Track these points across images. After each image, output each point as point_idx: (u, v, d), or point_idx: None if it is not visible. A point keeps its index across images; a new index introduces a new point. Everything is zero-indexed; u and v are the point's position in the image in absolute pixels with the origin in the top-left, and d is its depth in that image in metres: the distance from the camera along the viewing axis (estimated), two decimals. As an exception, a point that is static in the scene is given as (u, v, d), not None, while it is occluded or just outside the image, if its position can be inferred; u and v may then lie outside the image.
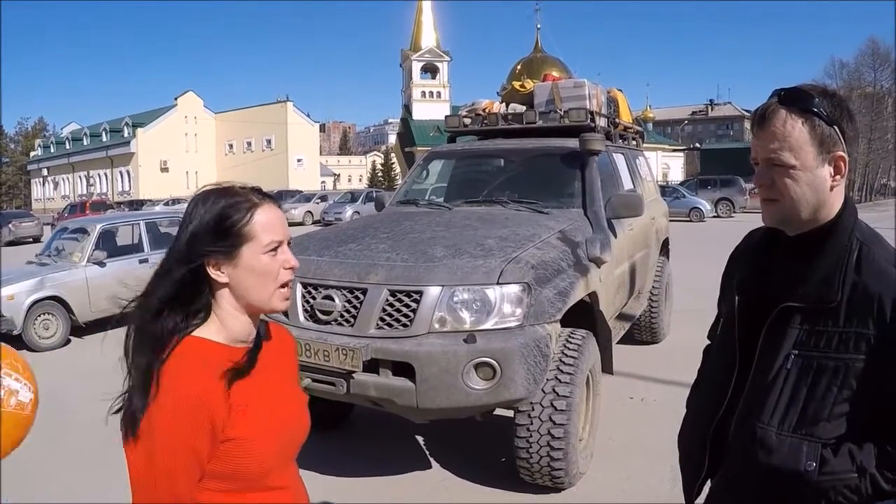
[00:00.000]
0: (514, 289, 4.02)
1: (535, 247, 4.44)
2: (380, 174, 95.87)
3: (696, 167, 59.29)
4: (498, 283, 4.01)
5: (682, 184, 39.18)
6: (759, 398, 1.62)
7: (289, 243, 1.58)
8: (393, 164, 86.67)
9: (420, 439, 5.52)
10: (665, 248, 8.67)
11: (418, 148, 58.87)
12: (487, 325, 3.96)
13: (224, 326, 1.55)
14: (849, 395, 1.52)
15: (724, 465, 1.75)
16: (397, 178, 79.83)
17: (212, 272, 1.50)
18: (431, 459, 5.14)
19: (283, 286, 1.57)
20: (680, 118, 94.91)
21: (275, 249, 1.53)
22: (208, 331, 1.53)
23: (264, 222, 1.52)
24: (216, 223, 1.49)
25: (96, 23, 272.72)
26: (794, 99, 1.57)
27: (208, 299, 1.53)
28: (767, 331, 1.64)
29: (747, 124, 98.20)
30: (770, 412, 1.59)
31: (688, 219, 29.79)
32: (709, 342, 2.11)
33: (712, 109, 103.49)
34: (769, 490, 1.59)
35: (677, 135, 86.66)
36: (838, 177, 1.60)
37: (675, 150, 68.88)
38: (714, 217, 32.15)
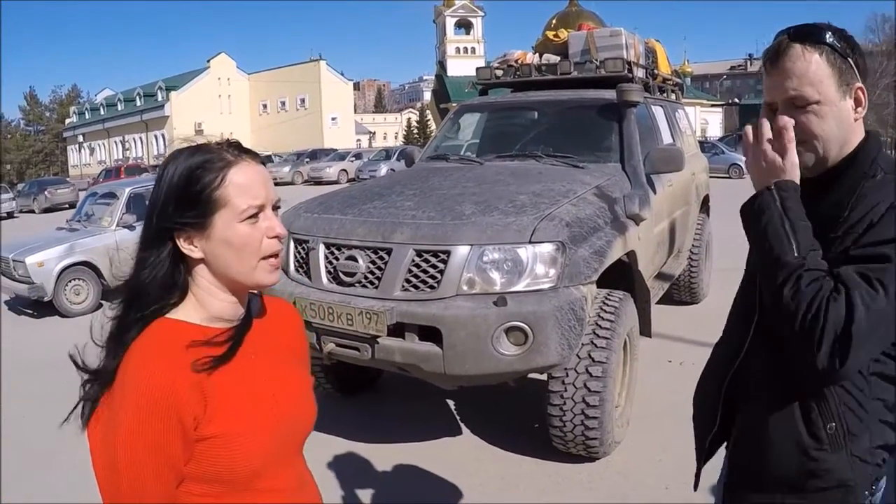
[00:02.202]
0: (547, 248, 3.78)
1: (569, 203, 4.18)
2: (415, 131, 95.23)
3: (735, 123, 58.22)
4: (530, 242, 3.76)
5: (720, 139, 38.37)
6: None
7: (276, 207, 1.36)
8: (428, 121, 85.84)
9: (451, 403, 5.36)
10: (705, 205, 8.35)
11: (453, 104, 58.48)
12: (519, 287, 3.74)
13: (202, 306, 1.33)
14: None
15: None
16: (432, 134, 79.16)
17: (183, 246, 1.29)
18: (462, 425, 4.99)
19: (268, 257, 1.34)
20: (718, 73, 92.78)
21: (255, 216, 1.30)
22: (184, 311, 1.32)
23: (240, 184, 1.29)
24: (182, 189, 1.27)
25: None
26: (806, 33, 1.52)
27: (183, 276, 1.32)
28: None
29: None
30: None
31: (727, 175, 29.16)
32: None
33: (751, 64, 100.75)
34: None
35: (716, 90, 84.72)
36: (860, 109, 1.55)
37: (713, 106, 67.49)
38: (753, 174, 31.48)
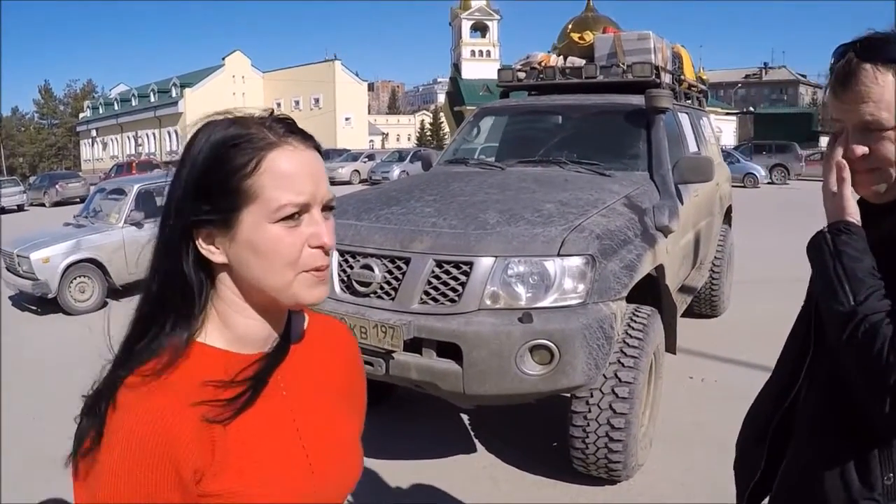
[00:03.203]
0: (576, 261, 3.56)
1: (599, 214, 3.97)
2: (428, 134, 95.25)
3: (749, 132, 57.87)
4: (559, 255, 3.55)
5: (736, 148, 38.09)
6: None
7: (328, 208, 1.06)
8: (442, 123, 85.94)
9: (465, 419, 5.15)
10: (728, 216, 8.16)
11: (467, 107, 58.65)
12: (545, 303, 3.52)
13: (226, 324, 1.05)
14: None
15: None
16: (446, 137, 79.61)
17: (202, 247, 1.01)
18: (477, 442, 4.78)
19: (310, 270, 1.04)
20: (733, 81, 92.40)
21: (294, 216, 1.00)
22: (202, 331, 1.03)
23: (280, 173, 0.99)
24: (206, 171, 0.99)
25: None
26: (875, 50, 1.35)
27: (207, 287, 1.04)
28: None
29: (802, 89, 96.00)
30: None
31: (742, 184, 28.87)
32: None
33: (766, 73, 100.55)
34: None
35: (730, 98, 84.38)
36: None
37: (727, 114, 67.24)
38: (769, 184, 31.23)
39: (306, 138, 1.06)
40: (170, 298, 1.01)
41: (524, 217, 3.85)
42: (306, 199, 1.01)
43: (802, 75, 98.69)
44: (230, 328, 1.06)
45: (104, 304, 9.51)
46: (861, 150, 1.36)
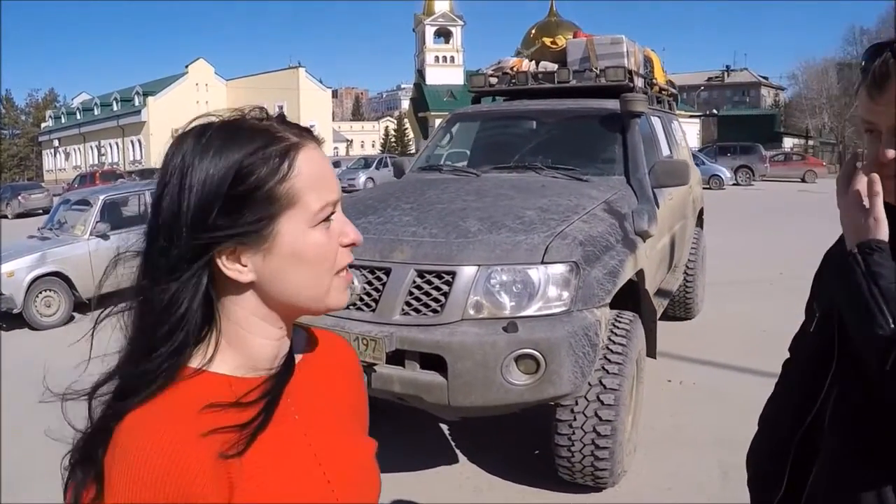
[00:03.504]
0: (560, 269, 3.52)
1: (580, 220, 3.94)
2: (393, 140, 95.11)
3: (713, 134, 58.72)
4: (542, 263, 3.50)
5: (700, 150, 38.54)
6: None
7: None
8: (406, 129, 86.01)
9: (446, 429, 5.07)
10: (700, 219, 8.19)
11: (432, 113, 58.75)
12: (530, 311, 3.47)
13: (235, 348, 0.95)
14: None
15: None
16: (410, 143, 79.77)
17: (227, 267, 0.90)
18: (458, 452, 4.71)
19: (341, 271, 0.98)
20: (696, 84, 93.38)
21: (328, 217, 0.95)
22: (207, 358, 0.93)
23: (312, 175, 0.93)
24: (230, 183, 0.88)
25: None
26: None
27: (218, 312, 0.93)
28: None
29: (764, 90, 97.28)
30: None
31: (707, 186, 29.20)
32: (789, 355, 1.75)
33: (728, 75, 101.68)
34: None
35: (693, 101, 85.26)
36: None
37: (691, 117, 67.97)
38: (734, 185, 31.63)
39: (313, 134, 0.99)
40: (171, 328, 0.89)
41: (506, 224, 3.80)
42: (336, 197, 0.96)
43: (764, 77, 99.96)
44: (240, 351, 0.95)
45: (71, 319, 9.30)
46: (886, 156, 1.27)
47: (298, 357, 1.06)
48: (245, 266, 0.92)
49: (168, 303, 0.89)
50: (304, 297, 0.96)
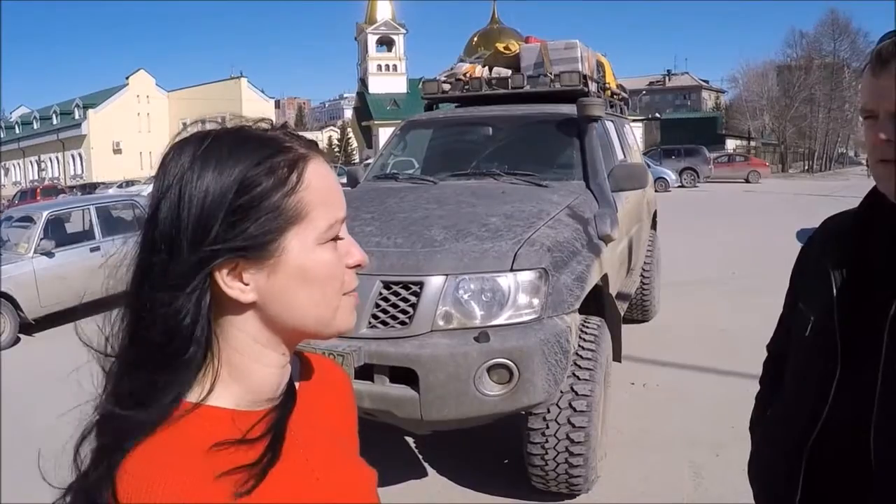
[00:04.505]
0: (529, 276, 3.47)
1: (546, 226, 3.89)
2: (336, 149, 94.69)
3: (656, 137, 59.58)
4: (511, 270, 3.45)
5: (644, 153, 39.11)
6: None
7: None
8: (350, 139, 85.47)
9: (411, 442, 4.97)
10: (654, 221, 8.25)
11: (375, 122, 58.60)
12: (501, 320, 3.40)
13: (236, 378, 0.86)
14: None
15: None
16: (354, 153, 79.28)
17: (227, 285, 0.82)
18: (426, 465, 4.62)
19: (349, 293, 0.92)
20: (638, 88, 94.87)
21: (336, 237, 0.89)
22: (206, 390, 0.84)
23: (320, 189, 0.86)
24: (235, 193, 0.81)
25: None
26: None
27: (207, 336, 0.83)
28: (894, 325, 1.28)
29: (705, 94, 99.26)
30: None
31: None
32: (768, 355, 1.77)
33: (670, 80, 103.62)
34: None
35: (635, 105, 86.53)
36: None
37: (634, 121, 68.80)
38: (679, 187, 32.12)
39: (319, 147, 0.92)
40: (166, 357, 0.81)
41: (471, 232, 3.73)
42: (345, 214, 0.90)
43: (705, 81, 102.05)
44: (242, 381, 0.87)
45: (17, 341, 8.95)
46: (887, 135, 1.25)
47: (296, 384, 0.99)
48: (247, 285, 0.84)
49: (169, 325, 0.80)
50: (311, 320, 0.88)
